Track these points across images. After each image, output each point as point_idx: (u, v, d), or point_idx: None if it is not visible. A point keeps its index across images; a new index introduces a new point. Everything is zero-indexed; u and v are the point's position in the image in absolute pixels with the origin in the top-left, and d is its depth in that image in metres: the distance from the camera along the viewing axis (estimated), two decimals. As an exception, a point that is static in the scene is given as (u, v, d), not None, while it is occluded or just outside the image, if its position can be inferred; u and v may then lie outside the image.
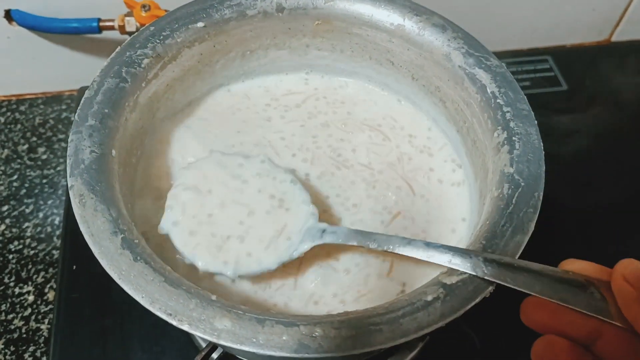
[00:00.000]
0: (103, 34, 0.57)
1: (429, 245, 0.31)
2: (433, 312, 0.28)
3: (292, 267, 0.36)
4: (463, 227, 0.39)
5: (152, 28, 0.39)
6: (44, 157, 0.60)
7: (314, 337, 0.27)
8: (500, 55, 0.69)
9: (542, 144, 0.34)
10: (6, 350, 0.48)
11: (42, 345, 0.48)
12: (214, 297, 0.28)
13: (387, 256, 0.36)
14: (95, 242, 0.29)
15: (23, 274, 0.52)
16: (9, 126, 0.62)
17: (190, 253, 0.33)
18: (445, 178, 0.41)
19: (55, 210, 0.56)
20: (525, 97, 0.37)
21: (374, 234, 0.33)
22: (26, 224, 0.55)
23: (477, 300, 0.28)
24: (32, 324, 0.49)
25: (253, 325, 0.27)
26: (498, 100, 0.36)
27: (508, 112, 0.36)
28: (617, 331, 0.26)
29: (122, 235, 0.30)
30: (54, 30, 0.57)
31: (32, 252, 0.53)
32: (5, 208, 0.56)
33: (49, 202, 0.56)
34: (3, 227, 0.55)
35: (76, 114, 0.34)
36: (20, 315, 0.50)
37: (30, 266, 0.52)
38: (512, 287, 0.27)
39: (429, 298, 0.28)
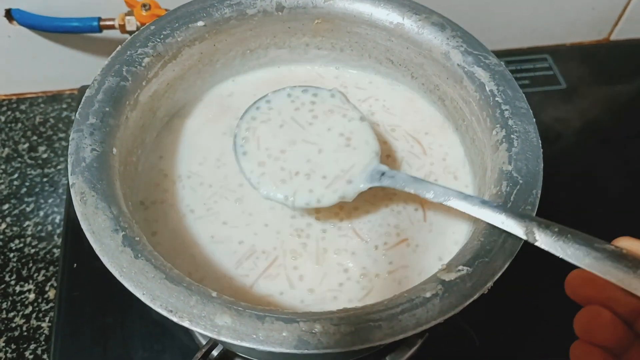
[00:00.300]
0: (104, 33, 0.57)
1: (484, 203, 0.31)
2: (432, 308, 0.28)
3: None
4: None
5: (152, 27, 0.39)
6: (45, 156, 0.60)
7: (313, 333, 0.27)
8: (499, 54, 0.69)
9: (540, 142, 0.35)
10: (7, 348, 0.48)
11: (42, 343, 0.48)
12: (214, 294, 0.28)
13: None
14: (96, 239, 0.30)
15: (24, 272, 0.52)
16: (9, 125, 0.62)
17: (255, 180, 0.36)
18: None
19: (55, 209, 0.56)
20: (523, 95, 0.37)
21: (431, 184, 0.33)
22: (27, 223, 0.55)
23: (476, 297, 0.29)
24: (33, 322, 0.49)
25: (253, 321, 0.27)
26: (497, 99, 0.37)
27: (506, 110, 0.36)
28: None
29: (123, 232, 0.30)
30: (54, 30, 0.57)
31: (32, 251, 0.53)
32: (6, 207, 0.56)
33: (50, 200, 0.57)
34: (4, 225, 0.55)
35: (77, 113, 0.35)
36: (21, 313, 0.50)
37: (31, 264, 0.53)
38: (561, 257, 0.27)
39: (428, 295, 0.28)
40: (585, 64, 0.71)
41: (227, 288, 0.35)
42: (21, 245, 0.54)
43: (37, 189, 0.57)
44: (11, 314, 0.50)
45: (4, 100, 0.64)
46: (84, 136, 0.34)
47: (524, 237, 0.29)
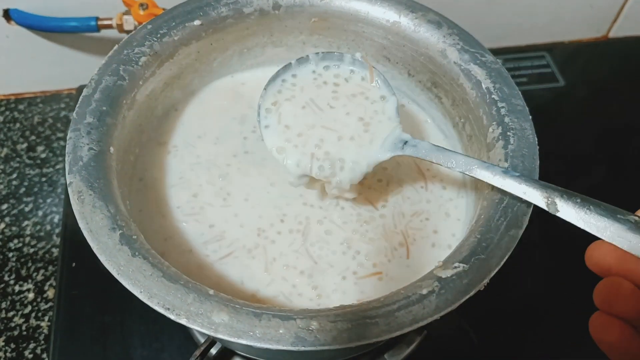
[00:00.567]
0: (101, 32, 0.57)
1: (506, 172, 0.31)
2: (428, 305, 0.28)
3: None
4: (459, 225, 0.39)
5: (149, 26, 0.40)
6: (43, 155, 0.60)
7: (310, 330, 0.27)
8: (497, 51, 0.70)
9: (536, 139, 0.35)
10: (7, 348, 0.48)
11: (42, 342, 0.48)
12: (211, 292, 0.29)
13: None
14: (93, 237, 0.30)
15: (23, 272, 0.52)
16: (8, 125, 0.63)
17: (275, 154, 0.36)
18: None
19: (54, 209, 0.56)
20: (519, 92, 0.37)
21: (455, 154, 0.33)
22: (26, 222, 0.55)
23: (472, 293, 0.29)
24: (32, 322, 0.49)
25: (250, 319, 0.27)
26: (493, 96, 0.37)
27: (503, 107, 0.36)
28: None
29: (121, 231, 0.30)
30: (52, 29, 0.57)
31: (31, 250, 0.53)
32: (4, 206, 0.56)
33: (48, 200, 0.57)
34: (3, 225, 0.55)
35: (74, 112, 0.35)
36: (20, 312, 0.50)
37: (30, 264, 0.53)
38: (582, 228, 0.27)
39: (424, 291, 0.29)
40: (583, 62, 0.71)
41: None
42: (20, 244, 0.54)
43: (35, 189, 0.57)
44: (10, 314, 0.50)
45: (2, 100, 0.65)
46: (81, 135, 0.34)
47: (545, 208, 0.29)
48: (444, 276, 0.29)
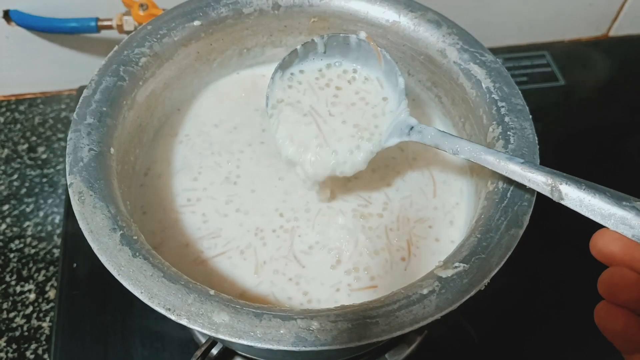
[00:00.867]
0: (101, 33, 0.57)
1: (511, 159, 0.31)
2: (428, 305, 0.28)
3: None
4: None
5: (149, 27, 0.40)
6: (44, 156, 0.60)
7: (311, 330, 0.27)
8: (497, 50, 0.70)
9: (536, 138, 0.35)
10: (8, 348, 0.48)
11: (43, 342, 0.48)
12: (212, 292, 0.29)
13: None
14: (94, 238, 0.30)
15: (24, 273, 0.52)
16: (8, 126, 0.63)
17: (280, 144, 0.37)
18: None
19: (55, 209, 0.56)
20: (519, 91, 0.37)
21: (460, 139, 0.33)
22: (27, 223, 0.55)
23: (472, 293, 0.29)
24: (34, 322, 0.50)
25: (251, 319, 0.27)
26: (493, 95, 0.37)
27: (503, 106, 0.36)
28: None
29: (121, 231, 0.30)
30: (52, 30, 0.57)
31: (32, 251, 0.54)
32: (5, 207, 0.56)
33: (49, 201, 0.57)
34: (4, 226, 0.55)
35: (75, 113, 0.35)
36: (21, 313, 0.50)
37: (31, 265, 0.53)
38: (586, 215, 0.27)
39: (425, 291, 0.28)
40: (583, 61, 0.71)
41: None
42: (21, 245, 0.54)
43: (36, 190, 0.58)
44: (12, 314, 0.50)
45: (2, 101, 0.65)
46: (81, 136, 0.34)
47: (549, 195, 0.28)
48: (444, 276, 0.29)
